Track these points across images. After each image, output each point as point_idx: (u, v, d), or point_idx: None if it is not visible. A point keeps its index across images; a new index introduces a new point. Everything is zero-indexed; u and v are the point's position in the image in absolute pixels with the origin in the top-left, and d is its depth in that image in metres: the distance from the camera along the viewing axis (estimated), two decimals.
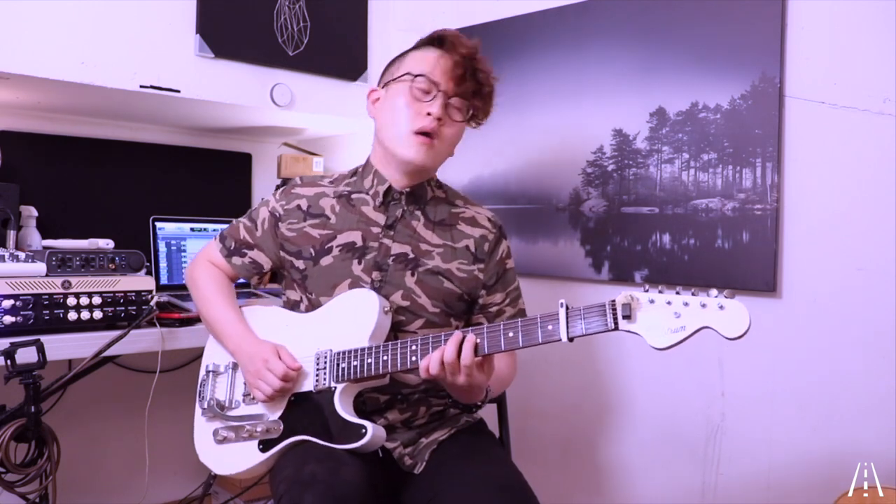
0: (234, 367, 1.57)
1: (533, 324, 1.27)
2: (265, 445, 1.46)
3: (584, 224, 2.16)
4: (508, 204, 2.31)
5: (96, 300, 1.77)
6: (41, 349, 1.58)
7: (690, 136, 1.95)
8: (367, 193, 1.57)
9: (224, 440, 1.51)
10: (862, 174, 1.72)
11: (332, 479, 1.28)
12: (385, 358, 1.38)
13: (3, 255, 1.72)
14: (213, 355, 1.61)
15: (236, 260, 1.63)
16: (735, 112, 1.87)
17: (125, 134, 2.53)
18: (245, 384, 1.53)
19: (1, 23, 1.82)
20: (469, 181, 2.41)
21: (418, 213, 1.57)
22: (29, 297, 1.69)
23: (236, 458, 1.50)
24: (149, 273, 2.07)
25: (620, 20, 2.07)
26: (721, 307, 1.14)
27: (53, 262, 1.75)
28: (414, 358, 1.35)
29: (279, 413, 1.47)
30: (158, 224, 2.30)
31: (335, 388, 1.42)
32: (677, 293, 1.18)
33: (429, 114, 1.46)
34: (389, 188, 1.55)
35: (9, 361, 1.56)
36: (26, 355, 1.58)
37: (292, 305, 1.59)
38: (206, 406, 1.55)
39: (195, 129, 2.66)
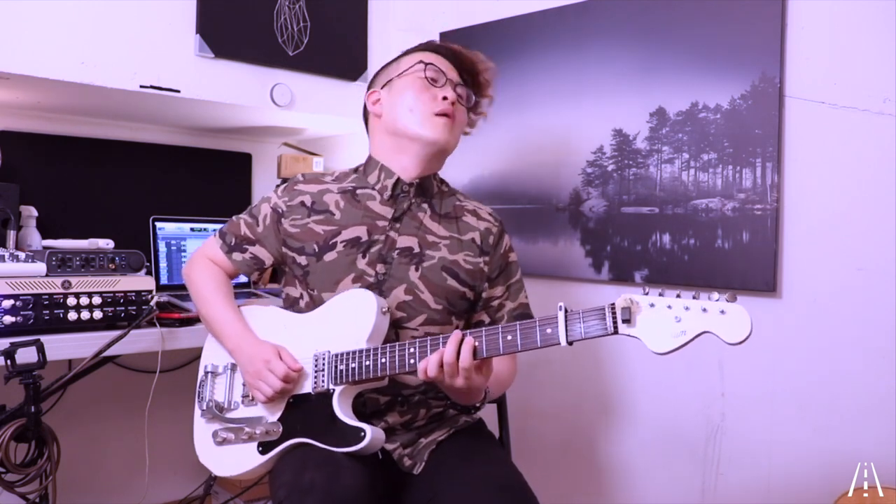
0: (233, 367, 1.56)
1: (531, 327, 1.26)
2: (264, 447, 1.46)
3: (584, 224, 2.16)
4: (508, 204, 2.31)
5: (96, 300, 1.77)
6: (41, 349, 1.58)
7: (690, 136, 1.95)
8: (374, 188, 1.57)
9: (224, 442, 1.50)
10: (862, 174, 1.72)
11: (332, 485, 1.28)
12: (383, 360, 1.37)
13: (3, 255, 1.72)
14: (212, 356, 1.61)
15: (237, 256, 1.62)
16: (735, 112, 1.87)
17: (125, 134, 2.53)
18: (244, 385, 1.53)
19: (1, 23, 1.82)
20: (469, 181, 2.41)
21: (425, 205, 1.57)
22: (29, 297, 1.69)
23: (236, 460, 1.49)
24: (149, 273, 2.07)
25: (620, 20, 2.07)
26: (722, 312, 1.12)
27: (53, 262, 1.75)
28: (412, 360, 1.35)
29: (278, 415, 1.46)
30: (158, 224, 2.30)
31: (333, 390, 1.41)
32: (678, 296, 1.15)
33: (444, 98, 1.52)
34: (398, 181, 1.55)
35: (9, 361, 1.56)
36: (26, 355, 1.58)
37: (292, 302, 1.59)
38: (205, 407, 1.55)
39: (195, 129, 2.66)
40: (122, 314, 1.81)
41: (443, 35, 2.43)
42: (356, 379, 1.39)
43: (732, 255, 1.88)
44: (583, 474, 2.22)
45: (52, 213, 2.26)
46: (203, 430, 1.55)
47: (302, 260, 1.54)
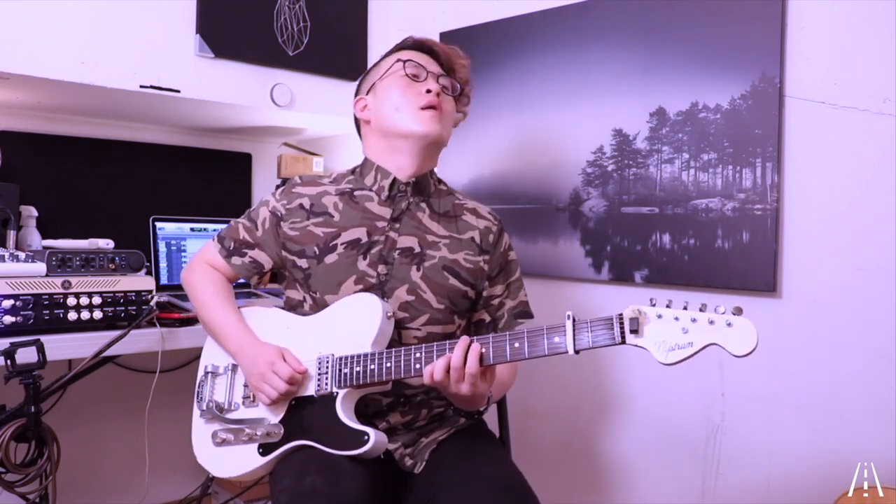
0: (234, 368, 1.56)
1: (539, 335, 1.27)
2: (265, 449, 1.45)
3: (584, 224, 2.16)
4: (508, 204, 2.31)
5: (96, 300, 1.77)
6: (41, 349, 1.58)
7: (690, 136, 1.95)
8: (371, 190, 1.57)
9: (223, 442, 1.50)
10: (862, 174, 1.72)
11: (333, 490, 1.28)
12: (388, 365, 1.37)
13: (3, 255, 1.72)
14: (212, 356, 1.61)
15: (236, 260, 1.62)
16: (735, 112, 1.87)
17: (125, 134, 2.53)
18: (245, 386, 1.52)
19: (1, 23, 1.82)
20: (469, 181, 2.41)
21: (423, 204, 1.58)
22: (29, 297, 1.69)
23: (235, 461, 1.49)
24: (149, 273, 2.08)
25: (620, 20, 2.07)
26: (729, 324, 1.15)
27: (53, 262, 1.75)
28: (418, 365, 1.35)
29: (280, 417, 1.46)
30: (158, 224, 2.30)
31: (337, 393, 1.41)
32: (685, 308, 1.18)
33: (428, 91, 1.53)
34: (394, 181, 1.55)
35: (9, 361, 1.56)
36: (26, 355, 1.58)
37: (294, 305, 1.59)
38: (204, 408, 1.55)
39: (195, 129, 2.66)
40: (122, 314, 1.81)
41: (443, 35, 2.43)
42: (360, 383, 1.39)
43: (732, 255, 1.88)
44: (583, 474, 2.22)
45: (52, 213, 2.26)
46: (202, 431, 1.55)
47: (303, 263, 1.54)
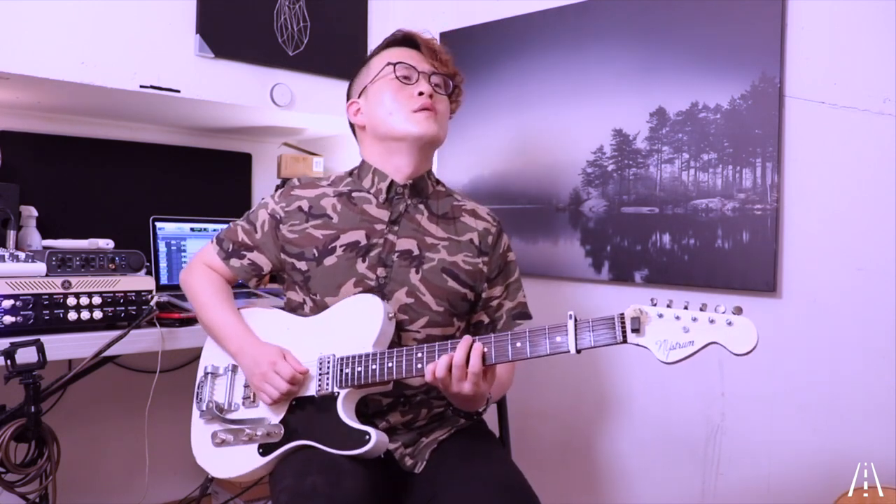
0: (234, 369, 1.56)
1: (541, 334, 1.27)
2: (265, 449, 1.45)
3: (584, 224, 2.16)
4: (508, 204, 2.31)
5: (96, 300, 1.77)
6: (41, 349, 1.58)
7: (690, 136, 1.95)
8: (369, 192, 1.57)
9: (223, 443, 1.50)
10: (862, 174, 1.72)
11: (334, 490, 1.28)
12: (390, 365, 1.37)
13: (3, 255, 1.72)
14: (212, 356, 1.61)
15: (234, 262, 1.62)
16: (735, 112, 1.87)
17: (125, 134, 2.53)
18: (245, 387, 1.52)
19: (1, 23, 1.82)
20: (469, 181, 2.41)
21: (421, 206, 1.57)
22: (29, 297, 1.69)
23: (235, 462, 1.49)
24: (149, 273, 2.08)
25: (620, 20, 2.07)
26: (729, 323, 1.16)
27: (53, 262, 1.75)
28: (419, 365, 1.35)
29: (280, 417, 1.46)
30: (158, 224, 2.30)
31: (338, 393, 1.41)
32: (686, 307, 1.19)
33: (420, 93, 1.52)
34: (392, 184, 1.55)
35: (9, 361, 1.56)
36: (26, 355, 1.58)
37: (294, 307, 1.59)
38: (204, 408, 1.55)
39: (195, 129, 2.66)
40: (122, 314, 1.81)
41: (443, 35, 2.43)
42: (362, 383, 1.39)
43: (732, 255, 1.88)
44: (582, 474, 2.22)
45: (52, 213, 2.26)
46: (201, 431, 1.55)
47: (302, 265, 1.54)
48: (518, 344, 1.29)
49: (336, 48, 2.43)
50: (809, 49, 1.78)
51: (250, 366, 1.49)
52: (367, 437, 1.36)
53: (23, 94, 2.11)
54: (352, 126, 1.66)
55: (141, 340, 1.81)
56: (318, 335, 1.48)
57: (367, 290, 1.49)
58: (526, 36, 2.27)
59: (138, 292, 1.84)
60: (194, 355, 1.77)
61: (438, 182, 1.65)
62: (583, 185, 2.16)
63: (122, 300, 1.81)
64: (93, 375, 1.95)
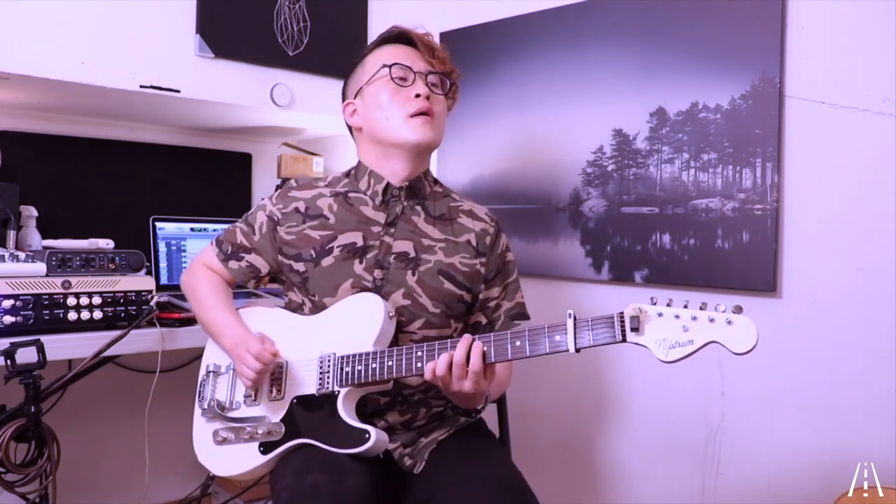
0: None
1: (540, 333, 1.27)
2: (266, 448, 1.46)
3: (584, 224, 2.16)
4: (508, 204, 2.31)
5: (96, 300, 1.77)
6: (41, 349, 1.58)
7: (690, 136, 1.95)
8: (365, 194, 1.57)
9: (224, 441, 1.50)
10: (862, 174, 1.72)
11: (335, 488, 1.28)
12: (390, 363, 1.38)
13: (3, 255, 1.72)
14: (214, 356, 1.61)
15: (233, 264, 1.62)
16: (735, 112, 1.87)
17: (125, 134, 2.53)
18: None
19: (1, 23, 1.82)
20: (469, 181, 2.41)
21: (418, 207, 1.57)
22: (29, 297, 1.69)
23: (236, 460, 1.49)
24: (149, 273, 2.07)
25: (620, 20, 2.07)
26: (729, 322, 1.16)
27: (53, 262, 1.75)
28: (419, 364, 1.35)
29: (281, 416, 1.46)
30: (158, 224, 2.30)
31: (338, 392, 1.41)
32: (685, 306, 1.19)
33: (417, 95, 1.50)
34: (388, 186, 1.55)
35: (9, 361, 1.56)
36: (26, 355, 1.58)
37: (295, 308, 1.59)
38: (205, 407, 1.55)
39: (195, 129, 2.66)
40: (122, 314, 1.81)
41: (443, 35, 2.43)
42: (362, 381, 1.40)
43: (732, 255, 1.88)
44: (582, 475, 2.22)
45: (52, 213, 2.26)
46: (203, 430, 1.55)
47: (300, 266, 1.54)
48: (517, 343, 1.29)
49: (336, 48, 2.43)
50: (809, 49, 1.78)
51: (231, 352, 1.51)
52: (367, 435, 1.36)
53: (23, 94, 2.11)
54: (348, 126, 1.66)
55: (141, 340, 1.81)
56: (318, 334, 1.48)
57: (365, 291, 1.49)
58: (526, 36, 2.27)
59: (138, 292, 1.84)
60: (194, 355, 1.78)
61: (436, 182, 1.65)
62: (583, 185, 2.16)
63: (122, 300, 1.81)
64: (93, 375, 1.95)
